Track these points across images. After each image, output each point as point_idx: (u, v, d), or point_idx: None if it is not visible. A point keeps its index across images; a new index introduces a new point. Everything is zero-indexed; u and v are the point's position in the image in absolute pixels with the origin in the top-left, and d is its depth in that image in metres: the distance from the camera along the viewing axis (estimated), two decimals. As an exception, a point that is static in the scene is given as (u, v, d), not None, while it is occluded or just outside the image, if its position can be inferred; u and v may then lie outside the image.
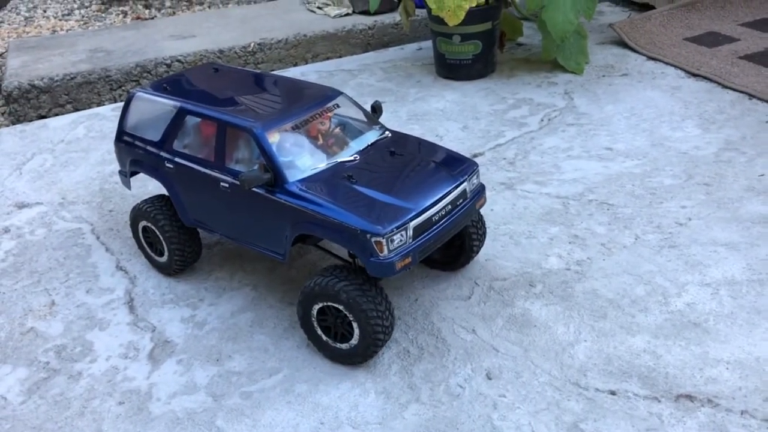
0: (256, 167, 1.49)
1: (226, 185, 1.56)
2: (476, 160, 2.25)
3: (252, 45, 3.33)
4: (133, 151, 1.75)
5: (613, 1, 3.42)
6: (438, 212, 1.49)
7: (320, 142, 1.58)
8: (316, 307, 1.48)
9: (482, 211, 1.75)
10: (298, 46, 3.45)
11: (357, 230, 1.40)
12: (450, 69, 2.83)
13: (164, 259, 1.77)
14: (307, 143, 1.56)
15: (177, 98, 1.66)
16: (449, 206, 1.52)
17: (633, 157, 2.15)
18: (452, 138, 2.39)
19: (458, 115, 2.55)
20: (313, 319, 1.50)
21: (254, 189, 1.50)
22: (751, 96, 2.41)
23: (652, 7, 3.20)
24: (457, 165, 1.60)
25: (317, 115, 1.59)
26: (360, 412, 1.39)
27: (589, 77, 2.70)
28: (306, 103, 1.60)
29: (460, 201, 1.55)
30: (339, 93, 1.65)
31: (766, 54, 2.67)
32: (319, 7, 3.81)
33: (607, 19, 3.26)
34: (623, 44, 2.93)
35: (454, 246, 1.70)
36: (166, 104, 1.67)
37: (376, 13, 3.46)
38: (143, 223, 1.78)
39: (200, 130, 1.63)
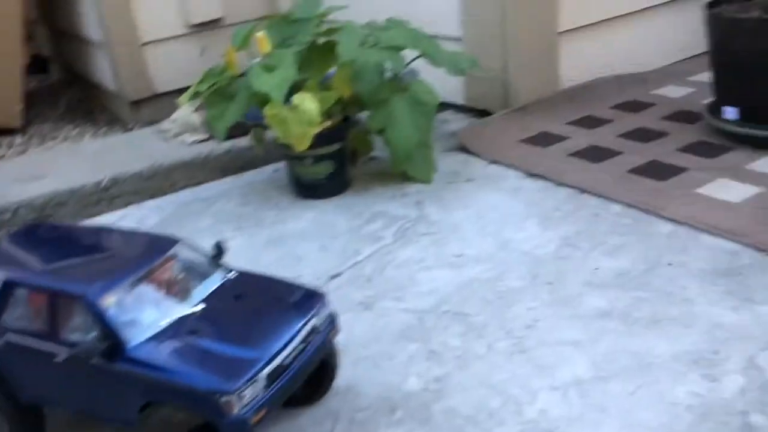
0: (94, 334, 1.43)
1: (61, 359, 1.47)
2: (335, 280, 2.28)
3: (104, 181, 3.26)
4: None
5: (456, 110, 3.65)
6: (289, 354, 1.47)
7: (164, 292, 1.54)
8: None
9: (343, 334, 1.75)
10: (154, 177, 3.42)
11: (203, 392, 1.35)
12: (306, 189, 2.89)
13: None
14: (150, 297, 1.52)
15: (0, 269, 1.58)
16: (301, 345, 1.51)
17: (482, 262, 2.25)
18: (311, 260, 2.41)
19: (316, 235, 2.59)
20: None
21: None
22: (582, 191, 2.61)
23: (490, 113, 3.44)
24: (304, 299, 1.61)
25: (157, 267, 1.56)
26: None
27: (438, 185, 2.83)
28: (143, 257, 1.57)
29: (311, 337, 1.54)
30: (176, 241, 1.64)
31: (591, 150, 2.92)
32: (174, 135, 3.81)
33: (451, 127, 3.46)
34: (467, 150, 3.11)
35: (311, 379, 1.68)
36: None
37: (231, 137, 3.50)
38: None
39: (30, 301, 1.55)
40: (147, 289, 1.51)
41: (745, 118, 2.73)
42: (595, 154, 2.87)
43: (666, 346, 1.76)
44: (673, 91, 3.46)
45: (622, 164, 2.76)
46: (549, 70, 3.43)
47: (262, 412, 1.38)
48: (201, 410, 1.37)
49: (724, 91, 2.83)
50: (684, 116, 3.13)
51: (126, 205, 3.28)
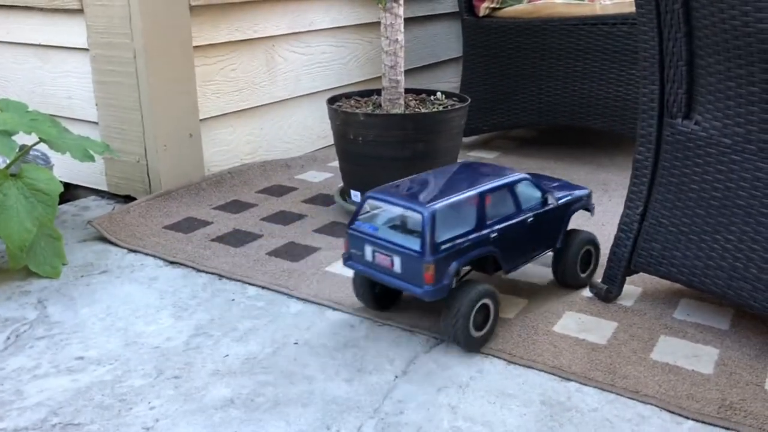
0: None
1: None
2: None
3: None
4: None
5: (99, 195, 3.44)
6: None
7: None
8: None
9: None
10: None
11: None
12: None
13: None
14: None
15: None
16: None
17: (104, 363, 2.07)
18: None
19: None
20: None
21: None
22: (221, 276, 2.61)
23: (134, 199, 3.30)
24: None
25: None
26: None
27: (67, 279, 2.59)
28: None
29: None
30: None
31: (233, 234, 2.95)
32: None
33: (91, 214, 3.24)
34: (105, 240, 2.92)
35: None
36: None
37: None
38: None
39: None
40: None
41: (367, 200, 3.02)
42: (237, 239, 2.91)
43: (285, 427, 1.79)
44: (314, 176, 3.72)
45: (262, 247, 2.84)
46: (193, 156, 3.44)
47: None
48: None
49: (348, 175, 3.13)
50: (321, 199, 3.37)
51: None
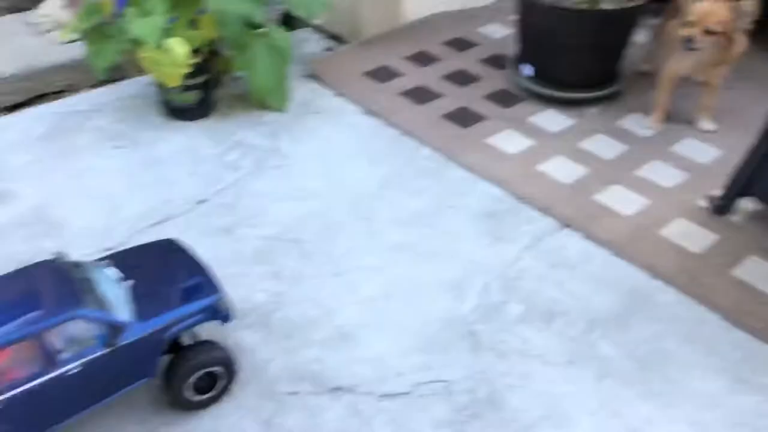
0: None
1: None
2: (201, 206, 2.85)
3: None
4: None
5: (314, 30, 4.10)
6: None
7: None
8: None
9: (208, 256, 2.36)
10: (31, 78, 3.66)
11: None
12: (175, 112, 3.35)
13: None
14: None
15: None
16: None
17: (317, 197, 2.91)
18: (181, 185, 2.95)
19: (185, 160, 3.11)
20: None
21: None
22: (404, 132, 3.28)
23: (342, 39, 3.94)
24: None
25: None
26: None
27: (291, 115, 3.39)
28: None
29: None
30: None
31: (417, 90, 3.56)
32: (47, 31, 3.99)
33: (308, 49, 3.94)
34: (319, 79, 3.64)
35: None
36: None
37: (110, 81, 3.70)
38: None
39: None
40: None
41: (537, 77, 3.46)
42: (420, 96, 3.52)
43: (435, 274, 2.57)
44: (495, 31, 4.11)
45: (439, 108, 3.44)
46: (393, 5, 3.94)
47: None
48: None
49: (524, 51, 3.53)
50: (497, 61, 3.81)
51: (4, 106, 3.56)
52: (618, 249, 2.66)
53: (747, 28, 2.90)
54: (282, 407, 2.11)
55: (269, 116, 3.38)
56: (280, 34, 3.21)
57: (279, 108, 3.40)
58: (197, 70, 3.20)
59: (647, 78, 3.45)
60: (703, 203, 2.85)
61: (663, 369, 2.23)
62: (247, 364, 2.21)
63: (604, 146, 3.15)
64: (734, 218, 2.79)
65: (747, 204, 2.82)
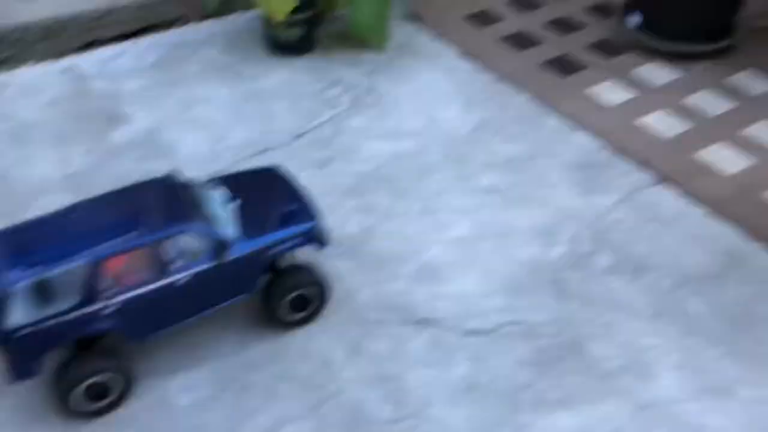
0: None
1: None
2: (299, 140, 2.95)
3: (101, 9, 3.67)
4: None
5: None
6: None
7: None
8: None
9: (306, 185, 2.45)
10: (144, 7, 3.81)
11: None
12: (278, 47, 3.43)
13: None
14: None
15: None
16: None
17: (411, 137, 2.95)
18: (281, 119, 3.05)
19: (286, 94, 3.20)
20: None
21: None
22: (502, 77, 3.26)
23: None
24: None
25: None
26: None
27: (390, 56, 3.41)
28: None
29: None
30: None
31: (518, 36, 3.50)
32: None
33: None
34: (420, 20, 3.63)
35: None
36: None
37: (219, 14, 3.79)
38: None
39: None
40: None
41: (644, 27, 3.34)
42: (521, 42, 3.47)
43: (525, 219, 2.58)
44: (605, -23, 3.95)
45: (539, 55, 3.38)
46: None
47: None
48: None
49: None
50: (603, 10, 3.68)
51: (120, 33, 3.73)
52: (717, 208, 2.59)
53: None
54: (369, 333, 2.22)
55: (368, 56, 3.42)
56: (384, -25, 3.21)
57: (379, 46, 3.42)
58: (303, 5, 3.26)
59: (764, 34, 3.27)
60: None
61: (754, 331, 2.20)
62: (338, 291, 2.31)
63: (710, 103, 3.04)
64: None
65: None
